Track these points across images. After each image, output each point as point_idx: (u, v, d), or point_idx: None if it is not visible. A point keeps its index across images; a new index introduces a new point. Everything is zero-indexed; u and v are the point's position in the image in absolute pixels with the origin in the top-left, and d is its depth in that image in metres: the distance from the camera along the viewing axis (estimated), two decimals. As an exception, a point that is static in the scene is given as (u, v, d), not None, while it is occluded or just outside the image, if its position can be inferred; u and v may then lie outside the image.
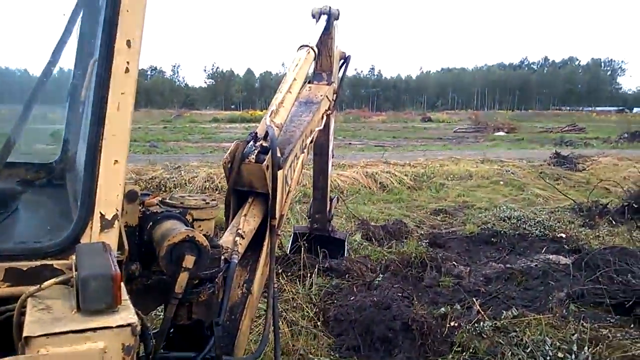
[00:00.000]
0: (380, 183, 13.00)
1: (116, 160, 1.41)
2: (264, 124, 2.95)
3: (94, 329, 1.07)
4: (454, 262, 6.86)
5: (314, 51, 3.95)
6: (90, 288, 1.11)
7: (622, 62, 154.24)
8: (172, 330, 2.34)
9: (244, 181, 2.76)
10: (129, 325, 1.11)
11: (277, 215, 2.75)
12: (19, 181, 2.37)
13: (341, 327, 4.66)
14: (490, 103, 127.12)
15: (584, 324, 4.62)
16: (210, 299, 2.16)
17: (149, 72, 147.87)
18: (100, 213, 1.39)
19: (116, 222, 1.43)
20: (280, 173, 2.76)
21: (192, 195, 2.23)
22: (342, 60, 5.13)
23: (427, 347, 4.36)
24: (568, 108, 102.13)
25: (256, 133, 2.88)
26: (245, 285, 2.62)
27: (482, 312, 4.96)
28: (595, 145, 26.22)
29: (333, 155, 5.95)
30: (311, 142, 3.75)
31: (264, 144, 2.75)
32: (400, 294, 5.14)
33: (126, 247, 1.75)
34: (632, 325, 4.79)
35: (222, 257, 2.29)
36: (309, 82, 4.43)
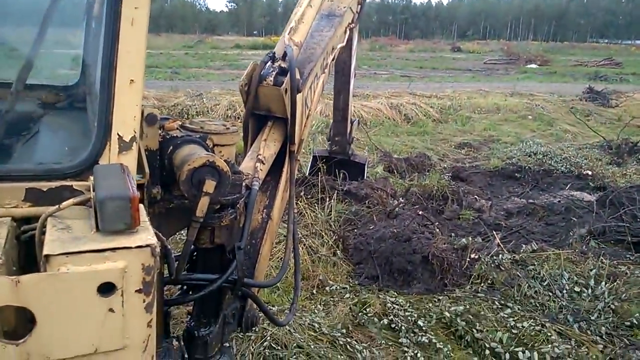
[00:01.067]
0: (404, 115, 12.78)
1: (132, 80, 1.36)
2: (283, 42, 2.78)
3: (114, 249, 1.08)
4: (475, 196, 6.83)
5: None
6: (107, 209, 1.11)
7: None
8: (195, 254, 2.41)
9: (262, 105, 2.66)
10: (148, 246, 1.11)
11: (297, 141, 2.68)
12: (40, 103, 2.36)
13: (360, 256, 4.74)
14: (524, 33, 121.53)
15: (603, 260, 4.62)
16: (232, 224, 2.19)
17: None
18: (118, 134, 1.37)
19: (134, 144, 1.41)
20: (299, 96, 2.65)
21: (213, 121, 2.19)
22: None
23: (446, 280, 4.43)
24: (606, 41, 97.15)
25: (274, 53, 2.71)
26: (265, 210, 2.61)
27: (502, 245, 4.98)
28: (631, 81, 25.07)
29: (355, 74, 5.73)
30: (333, 60, 3.54)
31: (283, 65, 2.60)
32: (420, 225, 5.15)
33: (147, 170, 1.75)
34: (651, 264, 4.77)
35: (243, 184, 2.29)
36: None
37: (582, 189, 7.23)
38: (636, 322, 3.82)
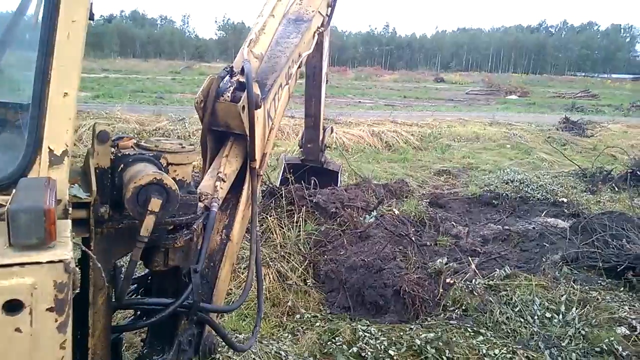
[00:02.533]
0: (386, 142, 12.91)
1: (66, 93, 1.32)
2: (242, 55, 2.64)
3: (22, 264, 1.02)
4: (453, 222, 6.84)
5: None
6: (20, 222, 1.05)
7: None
8: (150, 277, 2.33)
9: (220, 121, 2.53)
10: (61, 261, 1.05)
11: (258, 157, 2.56)
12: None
13: (332, 285, 4.62)
14: (504, 66, 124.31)
15: (575, 286, 4.62)
16: (188, 246, 2.12)
17: (158, 22, 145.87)
18: (49, 148, 1.32)
19: (66, 158, 1.36)
20: (260, 110, 2.53)
21: (169, 139, 2.15)
22: None
23: (419, 312, 4.33)
24: (583, 74, 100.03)
25: (232, 67, 2.58)
26: (224, 231, 2.49)
27: (477, 271, 4.94)
28: (606, 112, 25.72)
29: (327, 79, 5.53)
30: (299, 67, 3.37)
31: (241, 80, 2.46)
32: (392, 250, 5.04)
33: (94, 188, 1.70)
34: (622, 289, 4.79)
35: (202, 205, 2.23)
36: None
37: (557, 216, 7.29)
38: (606, 348, 3.79)
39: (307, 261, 4.92)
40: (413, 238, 5.31)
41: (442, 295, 4.53)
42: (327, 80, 5.50)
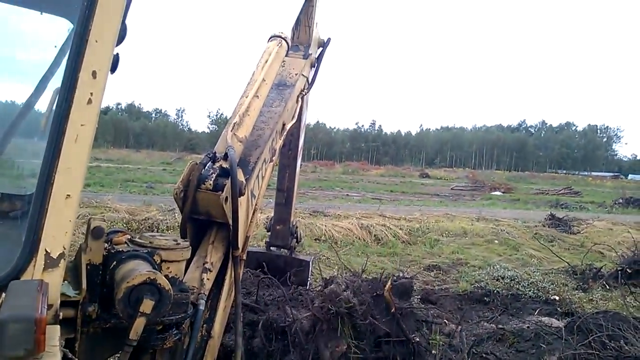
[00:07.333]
0: (375, 235, 12.89)
1: (68, 195, 1.31)
2: (225, 140, 2.52)
3: (8, 381, 0.95)
4: (445, 320, 6.67)
5: (287, 43, 3.27)
6: (8, 332, 0.99)
7: (617, 129, 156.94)
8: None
9: (201, 210, 2.40)
10: None
11: (241, 243, 2.44)
12: None
13: None
14: (487, 163, 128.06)
15: (575, 392, 4.41)
16: (176, 346, 2.04)
17: (153, 115, 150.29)
18: (46, 250, 1.29)
19: (62, 261, 1.32)
20: (244, 196, 2.41)
21: (164, 235, 2.12)
22: (320, 49, 4.33)
23: None
24: (564, 171, 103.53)
25: (215, 153, 2.45)
26: (205, 325, 2.34)
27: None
28: (590, 209, 26.22)
29: (301, 152, 4.98)
30: (283, 138, 3.17)
31: (224, 165, 2.36)
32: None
33: (84, 287, 1.65)
34: (624, 394, 4.59)
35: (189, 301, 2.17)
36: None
37: (550, 314, 7.16)
38: None
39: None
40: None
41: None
42: (301, 150, 4.98)
